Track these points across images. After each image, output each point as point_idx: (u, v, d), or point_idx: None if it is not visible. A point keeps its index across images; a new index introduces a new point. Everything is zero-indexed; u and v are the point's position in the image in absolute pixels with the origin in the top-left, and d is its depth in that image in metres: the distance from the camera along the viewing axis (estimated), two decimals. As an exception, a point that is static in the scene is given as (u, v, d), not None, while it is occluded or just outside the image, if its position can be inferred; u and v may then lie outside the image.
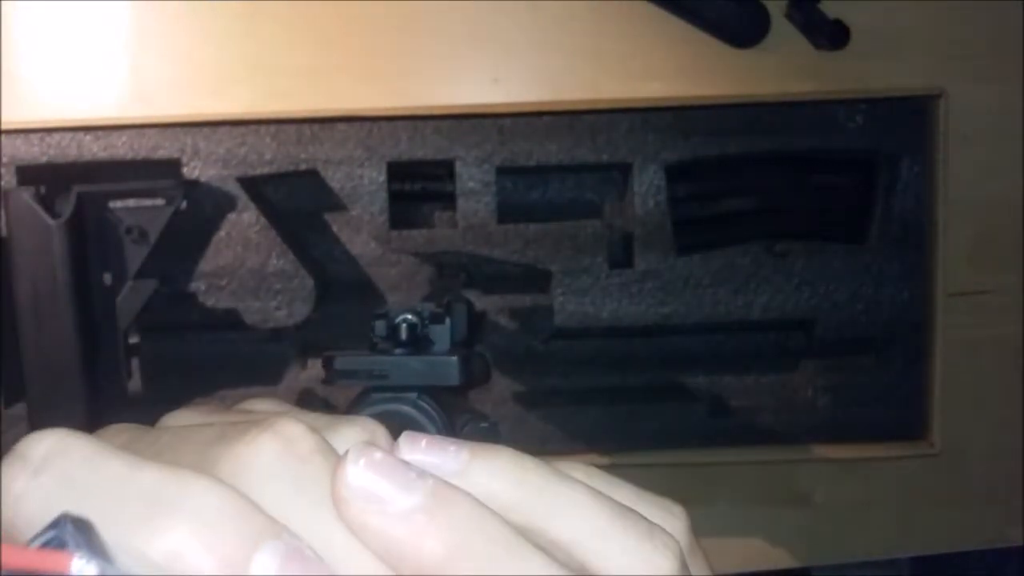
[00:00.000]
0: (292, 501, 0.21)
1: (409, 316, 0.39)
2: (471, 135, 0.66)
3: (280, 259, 0.65)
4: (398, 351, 0.38)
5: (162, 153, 0.65)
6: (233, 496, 0.21)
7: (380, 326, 0.40)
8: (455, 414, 0.39)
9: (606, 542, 0.23)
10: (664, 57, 0.69)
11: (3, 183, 0.64)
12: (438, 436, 0.23)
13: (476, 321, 0.42)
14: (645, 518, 0.24)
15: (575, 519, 0.23)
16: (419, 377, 0.37)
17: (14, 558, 0.18)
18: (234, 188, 0.65)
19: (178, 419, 0.27)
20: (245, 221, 0.65)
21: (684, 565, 0.23)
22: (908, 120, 0.66)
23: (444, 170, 0.67)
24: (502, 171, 0.66)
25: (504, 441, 0.26)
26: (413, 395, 0.36)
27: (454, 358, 0.38)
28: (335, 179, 0.66)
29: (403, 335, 0.38)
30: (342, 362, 0.37)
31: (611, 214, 0.69)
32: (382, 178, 0.66)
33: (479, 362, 0.44)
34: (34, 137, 0.65)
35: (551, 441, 0.67)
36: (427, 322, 0.40)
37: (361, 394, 0.37)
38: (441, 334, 0.40)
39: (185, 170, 0.65)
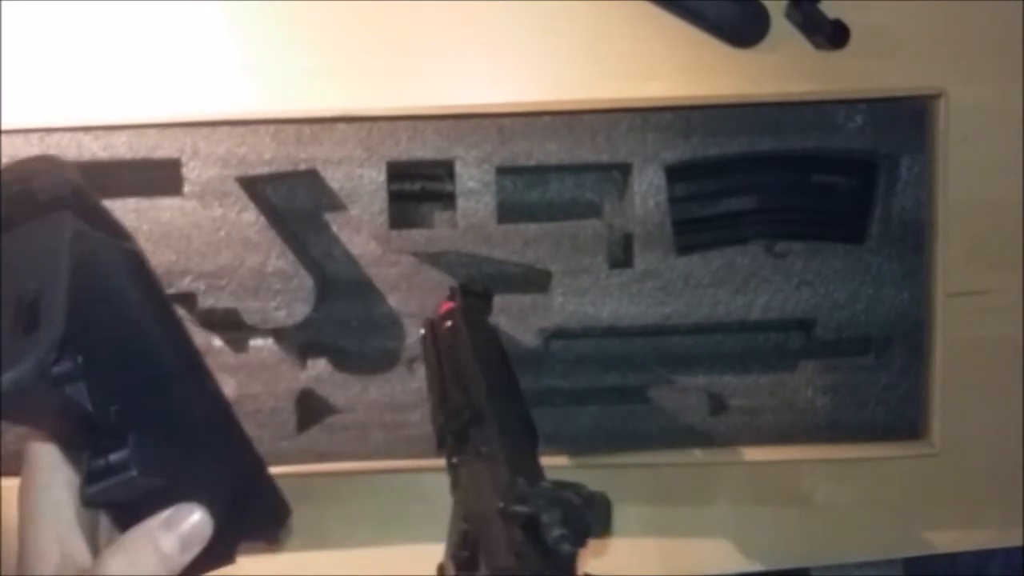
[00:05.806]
0: None
1: None
2: (471, 135, 0.66)
3: (280, 259, 0.65)
4: None
5: (162, 153, 0.65)
6: None
7: None
8: None
9: None
10: (664, 57, 0.69)
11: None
12: None
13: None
14: None
15: None
16: None
17: None
18: (234, 188, 0.65)
19: None
20: (245, 221, 0.65)
21: None
22: (908, 120, 0.66)
23: (444, 170, 0.67)
24: (502, 171, 0.66)
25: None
26: None
27: None
28: (335, 179, 0.66)
29: None
30: None
31: (611, 214, 0.69)
32: (382, 178, 0.66)
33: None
34: (34, 137, 0.64)
35: (551, 441, 0.67)
36: None
37: None
38: None
39: (185, 170, 0.65)
